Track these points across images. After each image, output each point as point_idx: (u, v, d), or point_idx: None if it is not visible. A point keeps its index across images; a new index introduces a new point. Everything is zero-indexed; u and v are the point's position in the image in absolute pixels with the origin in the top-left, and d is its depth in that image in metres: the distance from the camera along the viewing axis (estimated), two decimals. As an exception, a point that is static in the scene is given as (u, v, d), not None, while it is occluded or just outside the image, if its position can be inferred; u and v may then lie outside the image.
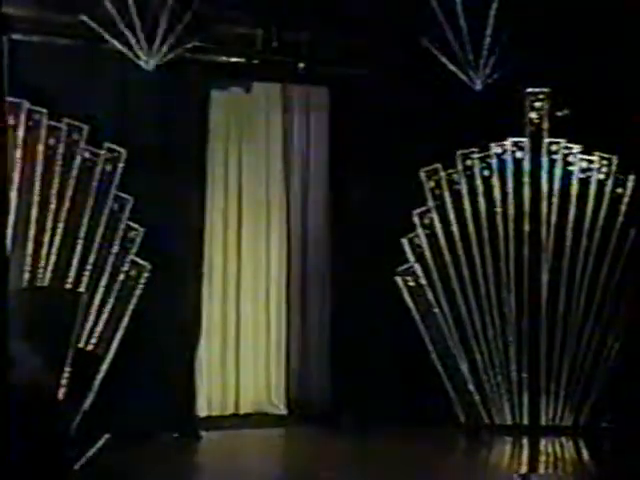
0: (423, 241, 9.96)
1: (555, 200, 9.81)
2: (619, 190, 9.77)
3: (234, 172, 10.44)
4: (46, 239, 8.92)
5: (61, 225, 8.98)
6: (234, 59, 9.90)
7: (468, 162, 9.97)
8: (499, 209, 9.88)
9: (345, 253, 10.17)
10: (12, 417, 4.53)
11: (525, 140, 9.89)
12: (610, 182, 9.78)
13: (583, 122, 9.63)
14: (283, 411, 10.42)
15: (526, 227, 9.82)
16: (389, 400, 9.84)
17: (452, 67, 9.59)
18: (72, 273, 8.99)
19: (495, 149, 9.94)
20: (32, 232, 8.85)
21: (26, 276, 8.77)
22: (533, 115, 9.89)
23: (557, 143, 9.86)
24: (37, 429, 6.55)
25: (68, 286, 8.95)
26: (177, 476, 8.15)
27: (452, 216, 9.93)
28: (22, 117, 8.81)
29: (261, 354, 10.49)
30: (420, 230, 9.97)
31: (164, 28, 8.99)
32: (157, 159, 9.42)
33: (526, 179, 9.86)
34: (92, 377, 8.87)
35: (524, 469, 8.51)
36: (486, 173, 9.94)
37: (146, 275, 9.18)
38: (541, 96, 9.85)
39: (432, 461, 8.67)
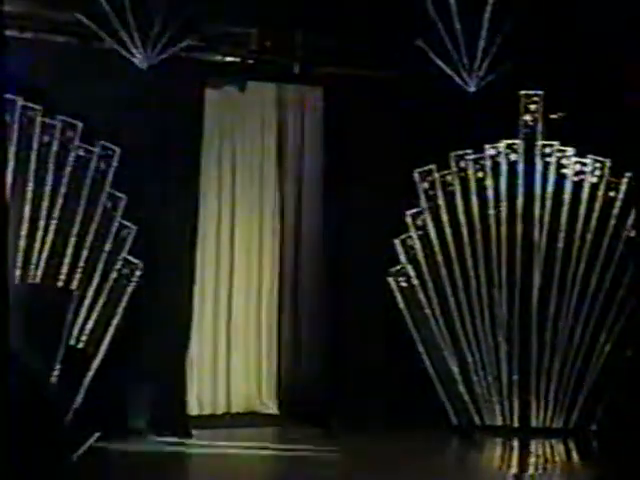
0: (416, 242, 9.97)
1: (548, 202, 9.84)
2: (612, 193, 9.79)
3: (228, 171, 10.45)
4: (38, 236, 8.92)
5: (54, 222, 8.98)
6: (229, 58, 9.90)
7: (462, 164, 9.99)
8: (492, 211, 9.90)
9: (338, 253, 10.17)
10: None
11: (519, 142, 9.91)
12: (603, 185, 9.81)
13: (577, 125, 9.65)
14: (274, 410, 10.43)
15: (519, 229, 9.84)
16: (380, 400, 9.86)
17: (447, 69, 9.59)
18: (64, 271, 8.99)
19: (489, 151, 9.96)
20: (24, 229, 8.86)
21: (18, 273, 8.78)
22: (527, 117, 9.91)
23: (551, 146, 9.88)
24: (29, 424, 6.55)
25: (60, 284, 8.95)
26: (167, 475, 8.14)
27: (445, 217, 9.95)
28: (16, 114, 8.81)
29: (252, 354, 10.50)
30: (413, 231, 9.98)
31: (159, 27, 8.99)
32: (151, 158, 9.44)
33: (519, 181, 9.88)
34: (83, 375, 8.88)
35: (515, 470, 8.53)
36: (480, 175, 9.96)
37: (138, 273, 9.19)
38: (535, 98, 9.88)
39: (423, 462, 8.66)
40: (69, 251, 9.01)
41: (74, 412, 8.63)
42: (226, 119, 10.40)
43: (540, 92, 9.84)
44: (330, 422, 9.87)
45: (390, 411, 9.83)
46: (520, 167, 9.90)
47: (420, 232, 9.97)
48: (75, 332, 8.90)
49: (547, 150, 9.89)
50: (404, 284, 9.94)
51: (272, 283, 10.55)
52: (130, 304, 9.17)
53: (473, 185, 9.95)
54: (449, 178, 9.99)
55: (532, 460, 8.96)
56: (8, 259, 4.94)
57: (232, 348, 10.39)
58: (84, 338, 9.01)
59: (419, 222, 9.99)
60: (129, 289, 9.17)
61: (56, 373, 8.11)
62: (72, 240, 9.03)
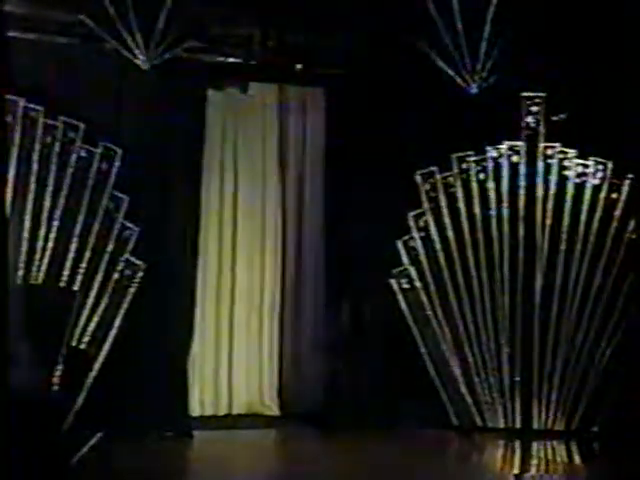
0: (418, 244, 9.97)
1: (550, 204, 9.83)
2: (614, 195, 9.79)
3: (230, 173, 10.46)
4: (40, 237, 8.91)
5: (56, 223, 8.98)
6: (231, 59, 9.90)
7: (464, 165, 9.99)
8: (494, 212, 9.90)
9: (339, 254, 10.17)
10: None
11: (521, 144, 9.92)
12: (605, 187, 9.81)
13: (579, 127, 9.65)
14: (275, 412, 10.43)
15: (521, 231, 9.84)
16: (381, 402, 9.85)
17: (449, 70, 9.59)
18: (66, 271, 8.99)
19: (491, 153, 9.95)
20: (27, 230, 8.85)
21: (20, 274, 8.77)
22: (529, 119, 9.91)
23: (553, 147, 9.88)
24: (32, 425, 6.56)
25: (62, 284, 8.94)
26: (168, 475, 8.14)
27: (447, 219, 9.95)
28: (18, 115, 8.81)
29: (254, 355, 10.49)
30: (415, 233, 9.99)
31: (161, 27, 8.98)
32: (153, 158, 9.44)
33: (522, 183, 9.88)
34: (84, 375, 8.87)
35: (516, 472, 8.53)
36: (482, 177, 9.96)
37: (140, 274, 9.18)
38: (537, 100, 9.87)
39: (425, 464, 8.67)
40: (71, 252, 9.01)
41: (76, 413, 8.63)
42: (228, 120, 10.40)
43: (542, 94, 9.84)
44: (330, 422, 9.85)
45: (391, 412, 9.82)
46: (522, 169, 9.90)
47: (422, 234, 9.98)
48: (77, 333, 8.90)
49: (549, 152, 9.89)
50: (406, 285, 9.95)
51: (274, 284, 10.55)
52: (132, 305, 9.17)
53: (475, 187, 9.95)
54: (451, 180, 9.99)
55: (534, 462, 8.94)
56: (9, 260, 4.93)
57: (234, 349, 10.39)
58: (86, 339, 9.01)
59: (421, 223, 9.99)
60: (131, 290, 9.18)
61: (58, 374, 8.11)
62: (74, 241, 9.03)
